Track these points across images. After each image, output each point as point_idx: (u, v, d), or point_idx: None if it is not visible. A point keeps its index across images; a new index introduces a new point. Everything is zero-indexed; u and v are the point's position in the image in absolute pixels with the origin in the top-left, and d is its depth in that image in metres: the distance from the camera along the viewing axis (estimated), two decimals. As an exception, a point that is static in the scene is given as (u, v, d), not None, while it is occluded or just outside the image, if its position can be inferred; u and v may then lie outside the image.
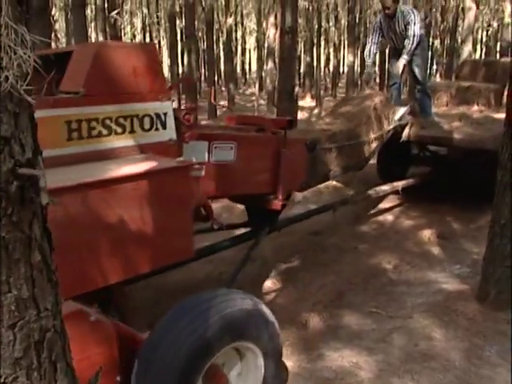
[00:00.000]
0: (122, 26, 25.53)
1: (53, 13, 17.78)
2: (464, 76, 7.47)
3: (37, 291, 1.11)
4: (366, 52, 5.89)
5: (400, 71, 5.77)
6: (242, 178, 3.36)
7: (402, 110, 5.37)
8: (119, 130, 2.53)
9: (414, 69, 5.86)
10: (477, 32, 21.94)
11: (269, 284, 4.01)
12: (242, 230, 4.03)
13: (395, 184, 5.51)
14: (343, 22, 23.88)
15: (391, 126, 5.06)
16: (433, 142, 5.78)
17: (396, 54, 5.89)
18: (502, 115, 5.85)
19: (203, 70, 27.27)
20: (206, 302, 2.20)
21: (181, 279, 3.99)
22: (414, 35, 5.46)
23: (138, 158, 2.54)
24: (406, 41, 5.53)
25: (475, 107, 6.47)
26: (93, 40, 21.77)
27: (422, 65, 5.87)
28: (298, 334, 3.29)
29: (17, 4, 0.98)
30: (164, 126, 2.71)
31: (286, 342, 3.14)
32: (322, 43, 24.77)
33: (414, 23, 5.46)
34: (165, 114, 2.71)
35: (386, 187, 5.36)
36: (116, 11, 14.85)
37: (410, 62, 5.81)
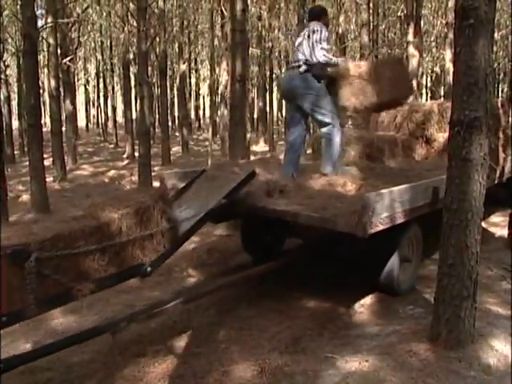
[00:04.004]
0: (76, 72, 25.55)
1: (4, 58, 17.66)
2: (356, 124, 6.95)
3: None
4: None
5: None
6: None
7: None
8: None
9: None
10: (421, 77, 22.95)
11: (223, 332, 3.96)
12: None
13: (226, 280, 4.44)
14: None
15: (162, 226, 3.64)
16: (276, 216, 4.40)
17: None
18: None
19: (157, 116, 27.39)
20: None
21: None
22: None
23: None
24: None
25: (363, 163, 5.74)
26: (45, 86, 21.63)
27: None
28: (254, 382, 3.24)
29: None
30: None
31: (242, 391, 3.09)
32: (275, 89, 25.34)
33: None
34: None
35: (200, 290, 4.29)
36: (69, 58, 14.88)
37: None
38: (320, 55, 5.02)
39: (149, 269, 3.46)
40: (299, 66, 5.12)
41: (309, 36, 5.06)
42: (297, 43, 5.33)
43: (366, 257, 4.54)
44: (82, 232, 3.03)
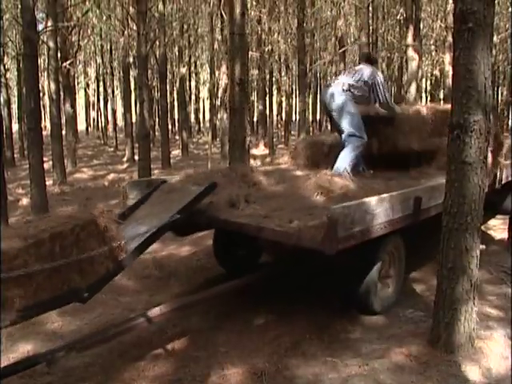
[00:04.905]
0: (76, 76, 25.57)
1: (4, 61, 17.67)
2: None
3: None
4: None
5: None
6: None
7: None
8: None
9: None
10: (421, 81, 22.99)
11: (223, 336, 3.95)
12: None
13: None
14: (294, 71, 24.66)
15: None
16: (238, 230, 4.08)
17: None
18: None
19: (157, 119, 27.41)
20: None
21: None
22: None
23: None
24: None
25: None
26: (45, 89, 21.65)
27: None
28: (254, 386, 3.24)
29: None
30: None
31: (242, 395, 3.08)
32: (275, 92, 25.38)
33: None
34: None
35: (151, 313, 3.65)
36: (69, 61, 14.90)
37: None
38: (385, 97, 5.75)
39: (86, 294, 3.08)
40: (348, 90, 5.66)
41: (373, 79, 5.69)
42: (349, 71, 6.02)
43: (340, 273, 4.29)
44: (5, 255, 2.69)
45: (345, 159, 5.54)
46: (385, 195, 3.94)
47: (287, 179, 5.36)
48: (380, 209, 3.79)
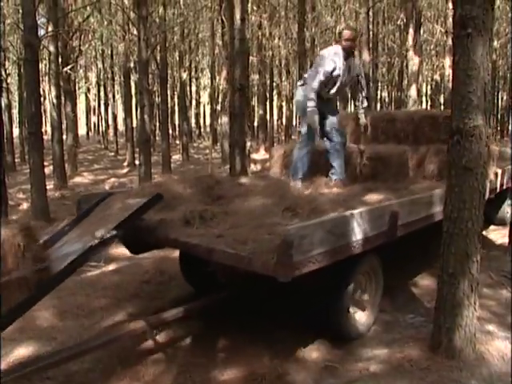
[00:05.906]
0: (77, 80, 25.62)
1: (5, 66, 17.70)
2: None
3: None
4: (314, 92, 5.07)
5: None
6: None
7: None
8: None
9: None
10: (421, 85, 23.03)
11: (224, 342, 3.94)
12: None
13: None
14: (294, 76, 24.72)
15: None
16: (187, 251, 3.79)
17: (325, 103, 5.31)
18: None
19: (157, 124, 27.47)
20: None
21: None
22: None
23: None
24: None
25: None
26: (46, 93, 21.69)
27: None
28: (255, 391, 3.23)
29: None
30: None
31: (242, 401, 3.08)
32: (275, 97, 25.42)
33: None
34: None
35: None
36: (70, 66, 14.93)
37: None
38: (314, 85, 5.10)
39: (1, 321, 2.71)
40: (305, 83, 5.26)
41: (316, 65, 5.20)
42: None
43: (309, 296, 3.89)
44: None
45: (294, 165, 5.36)
46: (353, 211, 3.54)
47: (256, 191, 4.80)
48: (348, 227, 3.37)
